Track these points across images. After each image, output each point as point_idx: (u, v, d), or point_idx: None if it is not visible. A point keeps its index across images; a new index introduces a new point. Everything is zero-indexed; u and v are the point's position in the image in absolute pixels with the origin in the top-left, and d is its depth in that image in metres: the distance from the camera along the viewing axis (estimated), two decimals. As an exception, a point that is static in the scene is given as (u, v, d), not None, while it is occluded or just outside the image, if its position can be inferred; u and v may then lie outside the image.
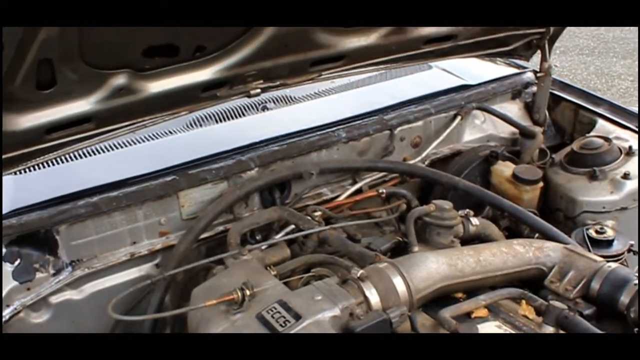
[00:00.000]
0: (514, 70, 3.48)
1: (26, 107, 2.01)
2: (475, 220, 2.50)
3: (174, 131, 2.89)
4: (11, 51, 1.73)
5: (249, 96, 2.46)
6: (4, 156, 2.09)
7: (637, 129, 3.06)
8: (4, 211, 2.38)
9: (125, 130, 2.34)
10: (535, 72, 3.33)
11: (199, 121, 2.99)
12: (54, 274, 2.44)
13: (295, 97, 3.21)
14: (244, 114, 3.06)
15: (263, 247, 2.41)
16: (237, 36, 2.21)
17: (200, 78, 2.28)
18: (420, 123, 3.06)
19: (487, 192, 2.66)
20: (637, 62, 8.66)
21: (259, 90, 2.45)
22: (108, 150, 2.75)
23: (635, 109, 3.23)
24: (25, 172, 2.57)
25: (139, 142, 2.82)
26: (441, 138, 3.08)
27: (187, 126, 2.96)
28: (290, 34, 2.27)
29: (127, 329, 2.49)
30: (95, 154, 2.74)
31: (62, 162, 2.68)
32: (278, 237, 2.52)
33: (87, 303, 2.50)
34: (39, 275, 2.41)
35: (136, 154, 2.75)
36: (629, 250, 2.50)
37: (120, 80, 2.11)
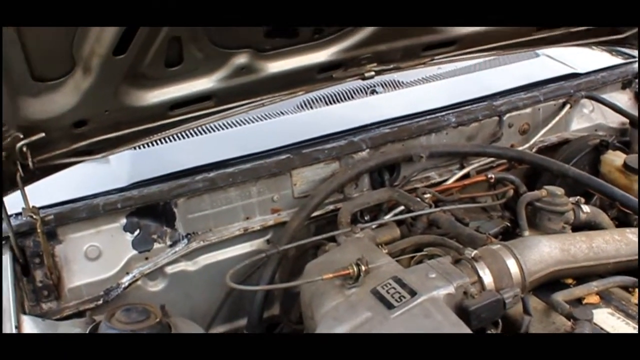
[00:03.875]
0: (622, 60, 3.42)
1: (153, 84, 2.10)
2: (586, 208, 2.49)
3: (287, 112, 2.97)
4: (145, 29, 1.82)
5: (364, 78, 2.50)
6: (129, 130, 2.20)
7: None
8: (125, 183, 2.51)
9: (244, 108, 2.41)
10: (647, 62, 3.27)
11: (310, 103, 3.05)
12: (171, 245, 2.55)
13: (403, 82, 3.24)
14: (353, 97, 3.12)
15: (374, 227, 2.46)
16: None
17: (317, 59, 2.33)
18: (528, 110, 3.07)
19: (598, 180, 2.63)
20: None
21: (373, 73, 2.48)
22: (224, 129, 2.83)
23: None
24: (143, 147, 2.69)
25: (253, 122, 2.90)
26: (550, 126, 3.07)
27: (299, 107, 3.03)
28: None
29: (238, 300, 2.59)
30: (211, 131, 2.83)
31: (180, 138, 2.77)
32: (388, 217, 2.57)
33: (200, 274, 2.60)
34: (156, 245, 2.53)
35: (251, 132, 2.84)
36: None
37: (242, 59, 2.17)
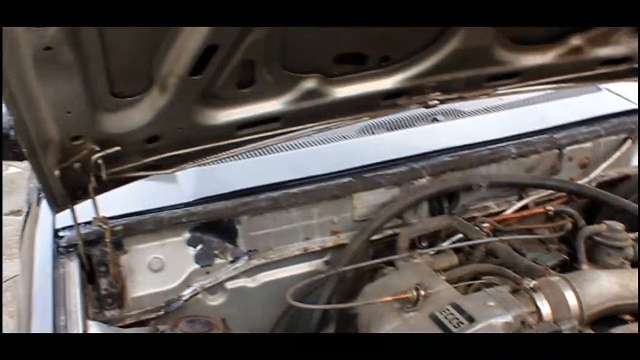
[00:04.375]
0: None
1: (224, 104, 2.16)
2: (646, 245, 2.49)
3: (349, 136, 3.00)
4: (223, 51, 1.89)
5: (427, 107, 2.52)
6: (198, 147, 2.26)
7: None
8: (190, 199, 2.58)
9: (308, 131, 2.45)
10: None
11: (371, 128, 3.09)
12: (232, 261, 2.61)
13: (464, 112, 3.26)
14: (415, 124, 3.14)
15: (432, 253, 2.49)
16: (421, 48, 2.30)
17: (383, 87, 2.37)
18: (589, 144, 3.07)
19: (657, 217, 2.63)
20: None
21: (436, 102, 2.50)
22: (287, 150, 2.89)
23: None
24: (208, 164, 2.75)
25: (316, 145, 2.94)
26: (610, 161, 3.08)
27: (361, 132, 3.06)
28: (471, 49, 2.33)
29: (295, 318, 2.63)
30: (275, 152, 2.89)
31: (245, 158, 2.82)
32: (446, 244, 2.60)
33: (259, 291, 2.66)
34: (218, 261, 2.60)
35: (313, 155, 2.88)
36: None
37: (310, 84, 2.22)
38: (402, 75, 2.36)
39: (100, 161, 2.05)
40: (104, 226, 2.28)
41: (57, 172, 2.01)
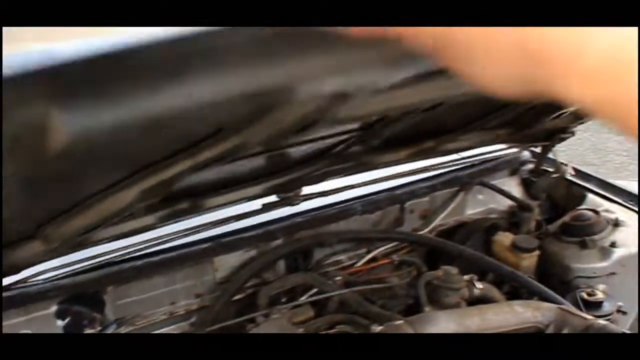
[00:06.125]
0: (511, 150, 3.74)
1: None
2: (479, 284, 2.77)
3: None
4: None
5: (292, 205, 2.80)
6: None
7: (623, 203, 3.38)
8: (57, 272, 2.65)
9: (180, 234, 2.71)
10: (532, 151, 3.62)
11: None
12: (101, 330, 2.69)
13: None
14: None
15: (289, 308, 2.69)
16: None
17: (253, 193, 2.61)
18: (427, 198, 3.35)
19: (488, 259, 2.94)
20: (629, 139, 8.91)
21: (299, 201, 2.79)
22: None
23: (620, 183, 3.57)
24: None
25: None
26: (447, 211, 3.36)
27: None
28: None
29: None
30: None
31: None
32: (303, 298, 2.80)
33: None
34: (87, 330, 2.65)
35: (177, 227, 3.01)
36: (618, 311, 2.77)
37: (183, 205, 2.42)
38: (270, 183, 2.60)
39: None
40: None
41: None
